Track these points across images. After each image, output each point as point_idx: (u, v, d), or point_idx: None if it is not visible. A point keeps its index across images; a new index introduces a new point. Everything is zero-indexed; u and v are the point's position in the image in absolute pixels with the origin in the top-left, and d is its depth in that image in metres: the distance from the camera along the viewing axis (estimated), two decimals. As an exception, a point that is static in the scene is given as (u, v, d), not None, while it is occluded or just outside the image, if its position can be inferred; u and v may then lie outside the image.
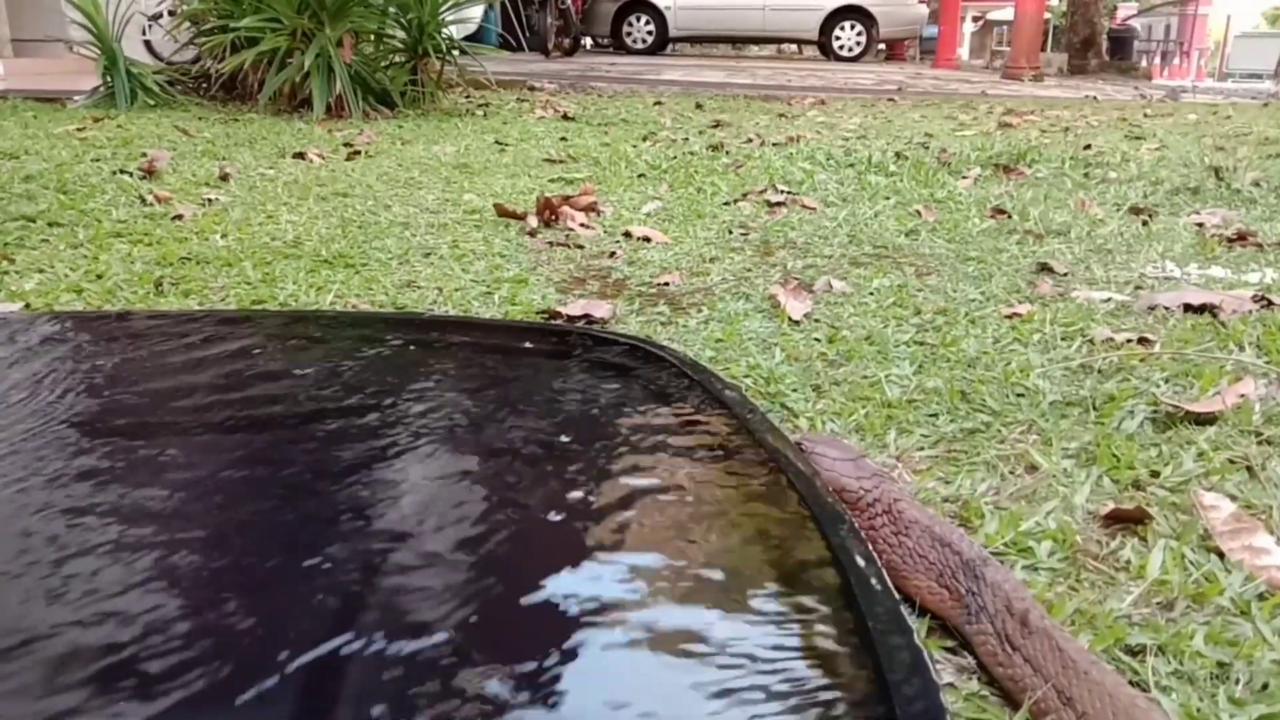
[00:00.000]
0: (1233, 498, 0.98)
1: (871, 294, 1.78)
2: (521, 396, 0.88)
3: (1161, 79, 15.22)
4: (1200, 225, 2.46)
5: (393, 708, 0.49)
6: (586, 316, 1.61)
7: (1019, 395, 1.27)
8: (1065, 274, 1.95)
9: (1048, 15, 19.38)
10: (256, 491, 0.72)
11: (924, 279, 1.89)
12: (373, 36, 5.10)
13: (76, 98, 5.00)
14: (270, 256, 1.96)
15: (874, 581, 0.64)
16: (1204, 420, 1.17)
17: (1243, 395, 1.22)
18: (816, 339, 1.51)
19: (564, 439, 0.78)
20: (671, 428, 0.83)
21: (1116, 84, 10.95)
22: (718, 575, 0.65)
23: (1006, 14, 12.44)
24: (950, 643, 0.76)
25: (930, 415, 1.21)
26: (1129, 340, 1.48)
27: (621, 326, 1.58)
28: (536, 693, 0.51)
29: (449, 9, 5.13)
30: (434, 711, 0.49)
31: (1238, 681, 0.70)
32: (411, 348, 1.03)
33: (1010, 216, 2.54)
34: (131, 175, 2.77)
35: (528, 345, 1.06)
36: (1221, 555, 0.87)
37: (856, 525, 0.81)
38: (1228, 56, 23.70)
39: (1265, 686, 0.70)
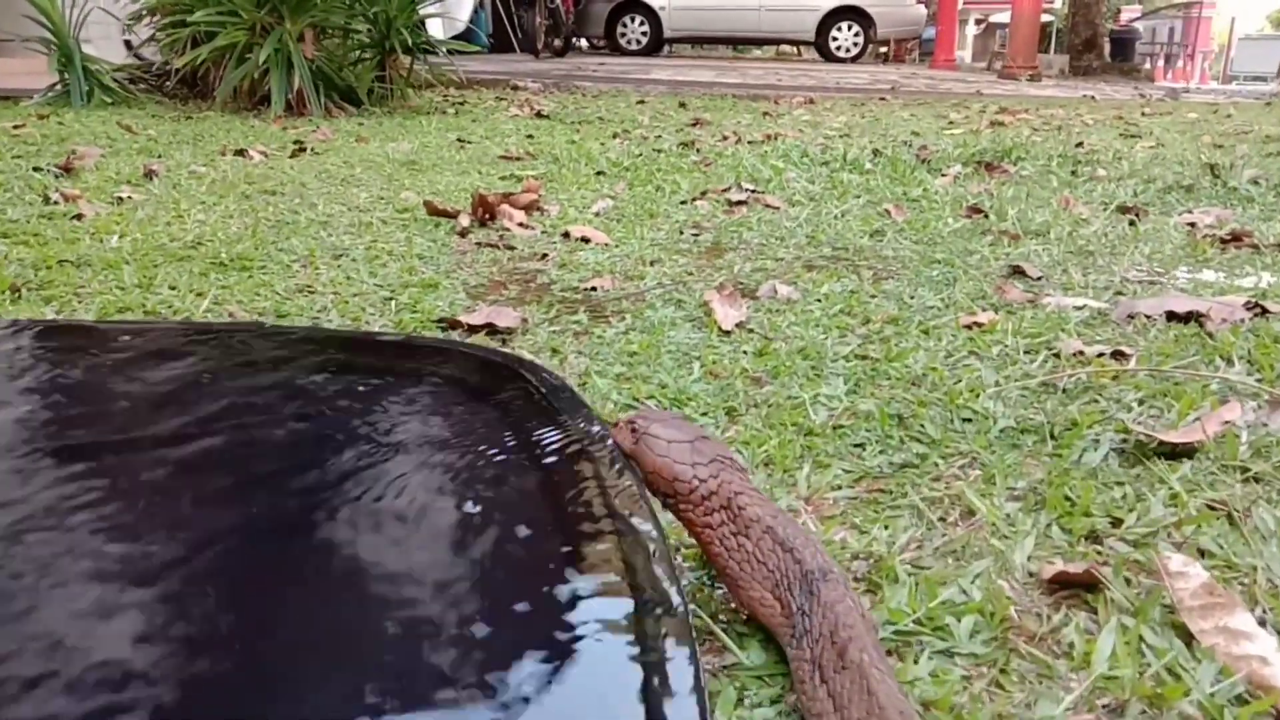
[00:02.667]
0: (1207, 554, 0.79)
1: (819, 301, 1.59)
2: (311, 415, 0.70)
3: (1165, 81, 15.02)
4: (1192, 225, 2.27)
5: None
6: (489, 326, 1.42)
7: (965, 420, 1.08)
8: (1039, 278, 1.76)
9: (1051, 17, 19.18)
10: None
11: (880, 284, 1.71)
12: (340, 32, 4.92)
13: (35, 95, 4.83)
14: (161, 259, 1.77)
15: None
16: (1181, 453, 0.99)
17: (1227, 422, 1.03)
18: (745, 352, 1.32)
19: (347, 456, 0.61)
20: (467, 454, 0.65)
21: (1117, 85, 10.75)
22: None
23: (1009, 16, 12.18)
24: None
25: (856, 445, 1.02)
26: (1101, 354, 1.29)
27: (529, 337, 1.40)
28: None
29: (419, 4, 4.95)
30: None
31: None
32: (210, 362, 0.85)
33: (987, 216, 2.36)
34: (44, 172, 2.59)
35: (359, 360, 0.88)
36: (1190, 639, 0.68)
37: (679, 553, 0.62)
38: (1232, 59, 23.45)
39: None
